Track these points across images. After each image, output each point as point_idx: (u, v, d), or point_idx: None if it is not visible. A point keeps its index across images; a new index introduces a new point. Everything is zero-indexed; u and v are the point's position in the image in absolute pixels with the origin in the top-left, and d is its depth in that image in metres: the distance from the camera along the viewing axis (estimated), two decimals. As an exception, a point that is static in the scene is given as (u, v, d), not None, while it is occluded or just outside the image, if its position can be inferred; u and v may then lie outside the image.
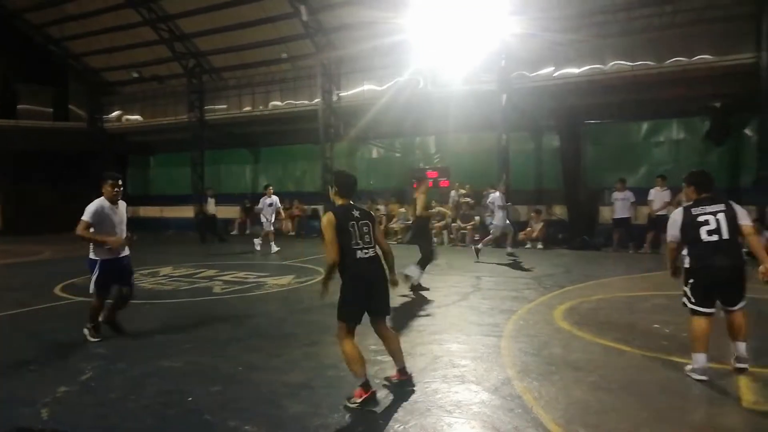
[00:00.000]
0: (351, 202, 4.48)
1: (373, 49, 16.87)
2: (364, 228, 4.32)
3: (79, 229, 5.78)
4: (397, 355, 4.56)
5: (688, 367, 4.65)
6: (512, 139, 15.81)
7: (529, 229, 14.96)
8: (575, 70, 14.85)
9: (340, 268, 4.28)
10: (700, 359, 4.53)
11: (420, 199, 8.84)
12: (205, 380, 4.80)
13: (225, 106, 21.24)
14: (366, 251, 4.28)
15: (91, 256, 5.96)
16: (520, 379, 4.65)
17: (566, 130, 16.07)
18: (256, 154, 22.82)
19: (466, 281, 9.59)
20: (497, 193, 13.03)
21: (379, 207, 17.96)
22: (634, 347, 5.46)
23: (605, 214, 15.05)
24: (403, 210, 17.10)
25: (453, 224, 15.83)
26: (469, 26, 14.46)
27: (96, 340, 6.03)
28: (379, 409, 4.08)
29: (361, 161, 20.34)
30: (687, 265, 4.68)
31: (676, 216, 4.79)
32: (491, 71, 15.39)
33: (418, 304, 7.78)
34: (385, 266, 4.45)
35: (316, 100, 18.74)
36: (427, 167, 18.09)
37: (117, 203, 6.08)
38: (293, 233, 19.45)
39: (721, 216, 4.58)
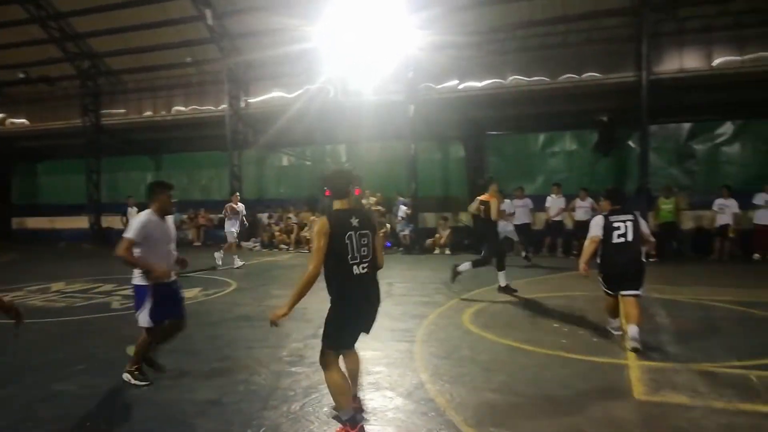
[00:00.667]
0: (352, 208, 3.86)
1: (283, 56, 16.71)
2: (363, 240, 3.72)
3: (121, 250, 4.60)
4: (355, 380, 4.08)
5: (609, 326, 6.27)
6: (420, 148, 16.25)
7: (437, 235, 15.39)
8: (477, 84, 15.57)
9: (332, 286, 3.74)
10: (614, 322, 6.26)
11: (493, 203, 8.71)
12: (104, 404, 4.49)
13: (124, 111, 20.14)
14: (363, 267, 3.71)
15: (138, 282, 4.83)
16: (433, 382, 4.77)
17: (470, 141, 16.76)
18: (157, 161, 21.75)
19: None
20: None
21: (291, 216, 17.74)
22: (537, 346, 5.77)
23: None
24: (314, 218, 16.99)
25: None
26: (378, 38, 14.72)
27: (145, 384, 4.84)
28: (294, 420, 4.02)
29: (271, 169, 20.01)
30: (599, 260, 6.01)
31: (599, 220, 5.99)
32: (400, 82, 15.76)
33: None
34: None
35: (223, 106, 18.26)
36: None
37: (165, 217, 4.96)
38: (199, 243, 18.75)
39: (629, 224, 5.83)
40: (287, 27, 15.44)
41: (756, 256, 12.74)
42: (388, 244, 15.88)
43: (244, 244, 17.54)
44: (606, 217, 5.96)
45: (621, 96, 14.40)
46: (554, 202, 14.04)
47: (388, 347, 5.91)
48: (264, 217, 18.28)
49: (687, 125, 14.86)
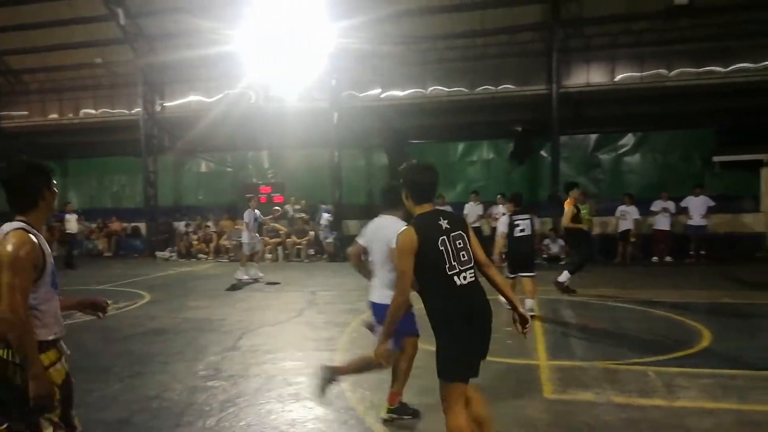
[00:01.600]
0: (436, 208, 3.16)
1: (201, 59, 16.22)
2: (458, 242, 3.01)
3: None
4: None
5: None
6: (344, 156, 16.29)
7: (360, 243, 15.44)
8: (400, 93, 15.84)
9: (432, 305, 3.03)
10: (528, 302, 7.30)
11: (567, 210, 8.87)
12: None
13: (26, 113, 18.77)
14: (465, 275, 2.99)
15: (379, 300, 3.94)
16: (353, 390, 4.78)
17: (393, 149, 16.99)
18: (63, 167, 20.39)
19: (302, 297, 9.59)
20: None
21: (210, 224, 17.20)
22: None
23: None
24: (239, 227, 16.57)
25: (288, 240, 15.75)
26: (300, 44, 14.64)
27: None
28: (209, 438, 3.91)
29: (190, 175, 19.33)
30: (506, 250, 7.74)
31: (504, 219, 7.81)
32: (323, 90, 15.75)
33: (253, 323, 7.57)
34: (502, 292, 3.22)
35: (137, 110, 17.45)
36: (261, 183, 17.80)
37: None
38: (110, 254, 17.77)
39: (527, 222, 7.65)
40: (206, 29, 15.01)
41: (654, 258, 13.75)
42: (312, 252, 15.76)
43: (158, 254, 16.82)
44: (510, 216, 7.75)
45: (534, 108, 15.13)
46: (473, 209, 14.53)
47: (309, 357, 5.86)
48: (181, 225, 17.61)
49: (593, 136, 15.82)
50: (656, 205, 13.78)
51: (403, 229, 3.04)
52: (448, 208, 14.43)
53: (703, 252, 13.37)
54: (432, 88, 15.56)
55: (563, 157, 15.23)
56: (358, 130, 16.45)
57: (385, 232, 3.86)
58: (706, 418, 4.06)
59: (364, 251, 4.19)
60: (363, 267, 4.29)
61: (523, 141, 15.84)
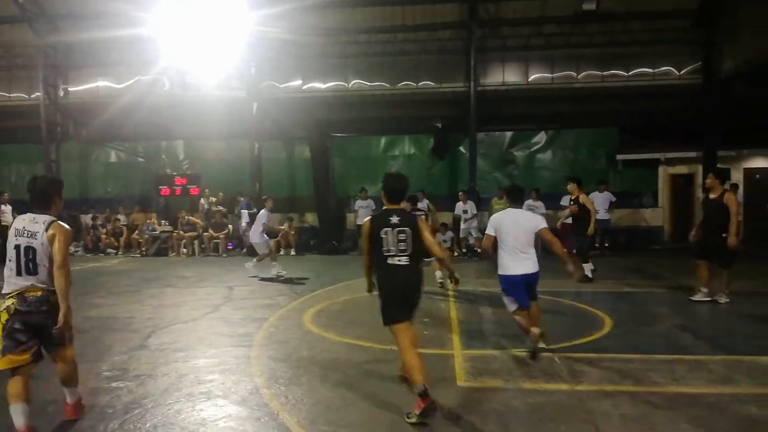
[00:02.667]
0: (396, 207, 4.34)
1: (111, 42, 15.30)
2: (401, 235, 4.20)
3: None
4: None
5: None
6: (265, 147, 15.96)
7: (280, 236, 15.17)
8: (321, 85, 15.70)
9: (378, 275, 4.37)
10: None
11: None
12: None
13: None
14: (399, 258, 4.21)
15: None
16: (268, 386, 4.69)
17: (316, 142, 16.81)
18: (-48, 155, 18.64)
19: (218, 292, 9.30)
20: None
21: (120, 217, 16.31)
22: (374, 342, 5.96)
23: (351, 220, 16.14)
24: (152, 220, 15.81)
25: (205, 234, 15.21)
26: (219, 31, 14.12)
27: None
28: (112, 442, 3.70)
29: (97, 165, 18.23)
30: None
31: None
32: (242, 79, 15.32)
33: (164, 320, 7.25)
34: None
35: (37, 94, 16.21)
36: (176, 174, 17.06)
37: None
38: (7, 249, 16.41)
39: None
40: (117, 11, 14.15)
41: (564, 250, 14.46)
42: (231, 246, 15.34)
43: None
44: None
45: (453, 104, 15.47)
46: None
47: (224, 354, 5.70)
48: (88, 218, 16.57)
49: (509, 133, 16.45)
50: (565, 200, 14.51)
51: (366, 219, 4.49)
52: (370, 203, 14.70)
53: (606, 244, 14.25)
54: (354, 81, 15.55)
55: (480, 153, 15.71)
56: (279, 122, 16.15)
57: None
58: (605, 400, 4.32)
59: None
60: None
61: (443, 137, 16.18)
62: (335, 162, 17.14)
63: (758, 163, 15.37)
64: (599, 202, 14.22)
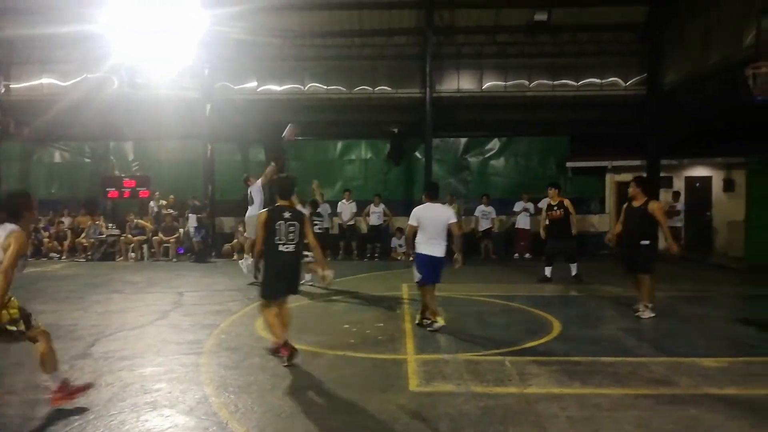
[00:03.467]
0: (286, 204, 5.51)
1: (57, 39, 14.67)
2: (290, 227, 5.32)
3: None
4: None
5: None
6: (218, 149, 15.67)
7: (235, 241, 14.93)
8: (277, 88, 15.54)
9: (266, 257, 5.44)
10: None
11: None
12: None
13: None
14: (287, 246, 5.33)
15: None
16: (218, 395, 4.59)
17: (271, 145, 16.59)
18: None
19: (167, 298, 9.05)
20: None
21: (63, 220, 15.67)
22: (326, 348, 5.93)
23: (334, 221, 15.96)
24: (99, 223, 15.22)
25: (154, 237, 14.79)
26: (171, 28, 13.78)
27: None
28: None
29: (40, 166, 17.49)
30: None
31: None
32: (195, 79, 15.01)
33: (110, 327, 6.99)
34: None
35: (-25, 91, 15.41)
36: (125, 176, 16.52)
37: None
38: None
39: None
40: (63, 6, 13.62)
41: (516, 255, 14.81)
42: (180, 250, 14.96)
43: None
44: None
45: (409, 110, 15.60)
46: (345, 207, 14.68)
47: (172, 361, 5.54)
48: (30, 221, 15.83)
49: (463, 140, 16.70)
50: (518, 206, 14.86)
51: (262, 211, 5.56)
52: (326, 207, 14.53)
53: (557, 249, 14.61)
54: (310, 84, 15.47)
55: (436, 158, 15.88)
56: (233, 124, 15.88)
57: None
58: (553, 402, 4.42)
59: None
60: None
61: (399, 142, 16.27)
62: (291, 165, 16.95)
63: (698, 172, 16.11)
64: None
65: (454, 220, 6.80)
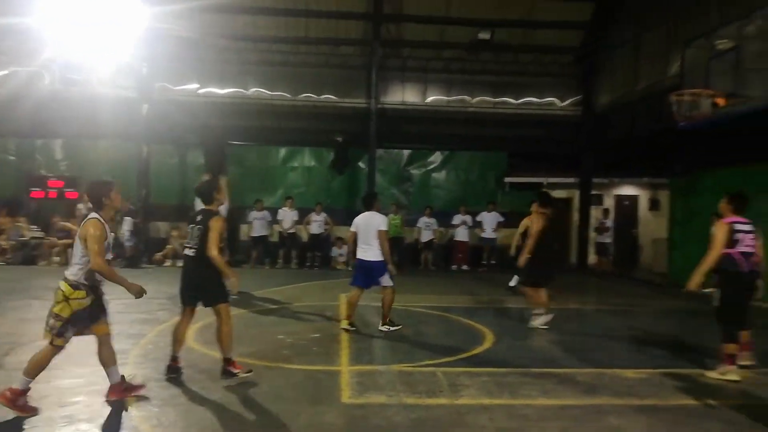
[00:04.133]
0: (203, 209, 5.29)
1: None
2: (197, 230, 5.09)
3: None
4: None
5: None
6: (155, 151, 15.13)
7: (169, 246, 14.43)
8: (219, 91, 15.24)
9: None
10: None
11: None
12: None
13: None
14: (191, 250, 5.14)
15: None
16: (140, 408, 4.39)
17: (211, 149, 16.20)
18: None
19: (92, 305, 8.60)
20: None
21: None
22: (258, 359, 5.79)
23: (246, 231, 15.68)
24: (21, 224, 14.31)
25: (81, 241, 14.06)
26: (108, 23, 13.26)
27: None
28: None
29: (-42, 163, 16.32)
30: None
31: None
32: (132, 78, 14.48)
33: (26, 336, 6.56)
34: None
35: None
36: (52, 176, 15.68)
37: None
38: None
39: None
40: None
41: (454, 267, 15.07)
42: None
43: None
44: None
45: (354, 120, 15.65)
46: (286, 215, 14.50)
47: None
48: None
49: (406, 152, 16.87)
50: (457, 219, 15.14)
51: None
52: (265, 214, 14.40)
53: (493, 261, 15.00)
54: (253, 89, 15.27)
55: (379, 169, 15.96)
56: (171, 125, 15.40)
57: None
58: (482, 413, 4.49)
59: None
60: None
61: (343, 151, 16.25)
62: (231, 171, 16.59)
63: (627, 190, 16.94)
64: (488, 221, 14.99)
65: (382, 228, 7.11)
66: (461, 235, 15.12)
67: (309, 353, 6.21)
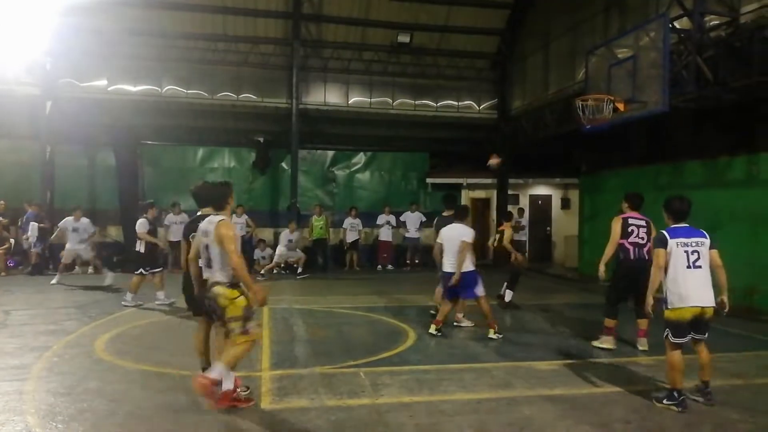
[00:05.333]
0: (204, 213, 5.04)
1: None
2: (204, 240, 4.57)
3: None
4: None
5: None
6: (60, 152, 14.27)
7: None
8: (131, 88, 14.55)
9: None
10: None
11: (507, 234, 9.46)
12: None
13: None
14: (207, 270, 4.58)
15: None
16: (43, 425, 4.12)
17: (123, 149, 15.43)
18: None
19: (-10, 318, 7.99)
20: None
21: None
22: (174, 368, 5.58)
23: (162, 235, 15.02)
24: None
25: (-24, 249, 12.97)
26: (8, 14, 12.32)
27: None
28: None
29: None
30: None
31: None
32: (34, 73, 13.53)
33: None
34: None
35: None
36: None
37: None
38: None
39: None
40: None
41: (379, 267, 15.21)
42: (12, 263, 13.32)
43: None
44: None
45: (275, 120, 15.43)
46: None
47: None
48: None
49: (330, 153, 16.84)
50: (381, 219, 15.30)
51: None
52: (184, 217, 13.82)
53: (417, 261, 15.27)
54: (168, 87, 14.69)
55: (302, 170, 15.84)
56: (78, 124, 14.50)
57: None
58: (402, 411, 4.56)
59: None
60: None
61: (265, 152, 15.97)
62: (146, 172, 15.90)
63: (540, 190, 17.78)
64: (411, 221, 15.26)
65: (466, 239, 7.19)
66: (385, 234, 15.29)
67: (228, 359, 6.06)
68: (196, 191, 5.34)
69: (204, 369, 4.86)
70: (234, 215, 14.18)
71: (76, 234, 11.52)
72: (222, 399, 4.40)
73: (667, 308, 4.68)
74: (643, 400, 4.88)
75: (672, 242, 4.65)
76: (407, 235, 15.33)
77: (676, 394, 4.62)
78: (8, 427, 4.09)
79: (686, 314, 4.58)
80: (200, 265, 4.67)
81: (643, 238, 6.46)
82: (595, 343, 6.74)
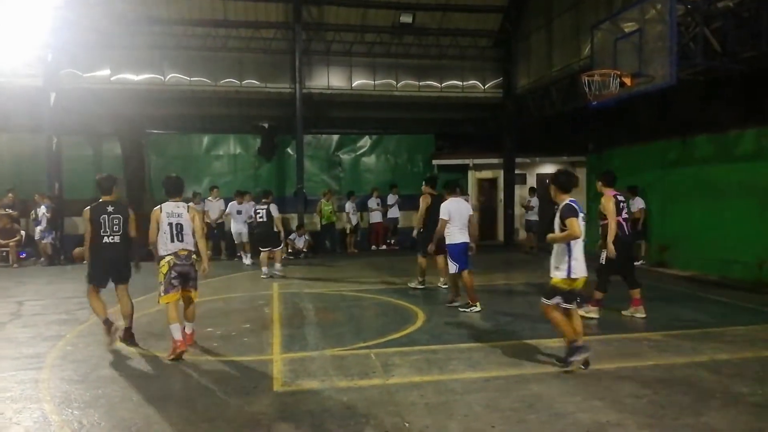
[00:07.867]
0: (108, 200, 6.08)
1: None
2: (114, 220, 5.97)
3: None
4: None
5: None
6: (66, 143, 14.30)
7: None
8: (134, 77, 14.52)
9: (91, 247, 6.01)
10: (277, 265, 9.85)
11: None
12: None
13: None
14: (111, 237, 5.97)
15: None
16: (59, 412, 4.19)
17: (128, 138, 15.47)
18: None
19: (4, 308, 8.13)
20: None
21: None
22: (186, 353, 5.65)
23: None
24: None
25: (-12, 241, 13.12)
26: (11, 8, 12.30)
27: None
28: None
29: None
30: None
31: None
32: (37, 65, 13.53)
33: (-76, 347, 6.09)
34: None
35: None
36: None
37: None
38: None
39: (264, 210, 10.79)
40: None
41: (373, 247, 15.47)
42: (22, 254, 13.46)
43: None
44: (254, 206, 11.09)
45: (280, 105, 15.36)
46: (212, 206, 14.09)
47: (5, 379, 4.98)
48: None
49: (335, 137, 16.77)
50: (371, 202, 15.53)
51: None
52: (181, 204, 13.83)
53: (393, 240, 15.80)
54: (171, 75, 14.64)
55: (308, 155, 15.82)
56: (83, 115, 14.53)
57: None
58: (412, 391, 4.60)
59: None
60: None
61: (270, 137, 15.94)
62: (152, 161, 15.93)
63: (547, 169, 17.60)
64: (393, 202, 15.62)
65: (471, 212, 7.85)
66: (376, 217, 15.54)
67: (240, 344, 6.13)
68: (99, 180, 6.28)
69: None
70: (210, 198, 14.17)
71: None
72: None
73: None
74: (654, 375, 4.89)
75: (580, 214, 5.22)
76: (388, 215, 15.71)
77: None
78: (25, 414, 4.17)
79: (580, 284, 5.32)
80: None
81: (628, 214, 7.30)
82: (582, 312, 6.51)
